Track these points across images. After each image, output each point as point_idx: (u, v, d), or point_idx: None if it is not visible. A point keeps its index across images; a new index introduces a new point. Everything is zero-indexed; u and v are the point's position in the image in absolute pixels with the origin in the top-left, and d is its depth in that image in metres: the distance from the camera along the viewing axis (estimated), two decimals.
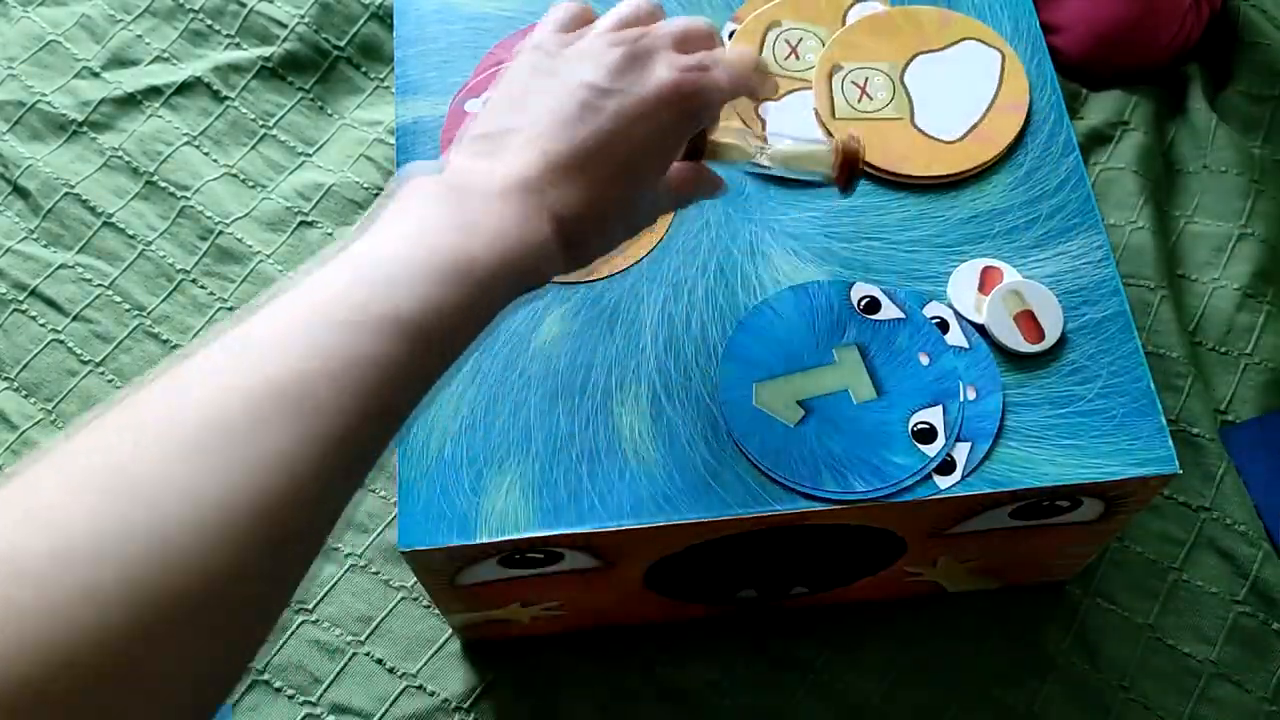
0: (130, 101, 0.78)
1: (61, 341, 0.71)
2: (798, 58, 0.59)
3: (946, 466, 0.48)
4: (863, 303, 0.52)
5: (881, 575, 0.58)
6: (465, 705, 0.60)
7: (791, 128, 0.57)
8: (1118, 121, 0.76)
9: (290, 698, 0.61)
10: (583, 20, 0.43)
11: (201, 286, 0.73)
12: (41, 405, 0.69)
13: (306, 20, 0.80)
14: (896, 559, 0.56)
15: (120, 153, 0.77)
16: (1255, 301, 0.70)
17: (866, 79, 0.58)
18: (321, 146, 0.78)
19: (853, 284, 0.53)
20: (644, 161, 0.40)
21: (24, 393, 0.69)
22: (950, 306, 0.52)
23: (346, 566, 0.64)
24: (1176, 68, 0.79)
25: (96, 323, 0.71)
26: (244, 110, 0.78)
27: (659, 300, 0.53)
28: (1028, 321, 0.51)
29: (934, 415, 0.49)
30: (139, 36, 0.81)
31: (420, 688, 0.61)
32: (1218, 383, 0.68)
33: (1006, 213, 0.54)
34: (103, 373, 0.70)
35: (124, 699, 0.25)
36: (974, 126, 0.56)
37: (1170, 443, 0.49)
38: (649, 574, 0.54)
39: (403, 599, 0.63)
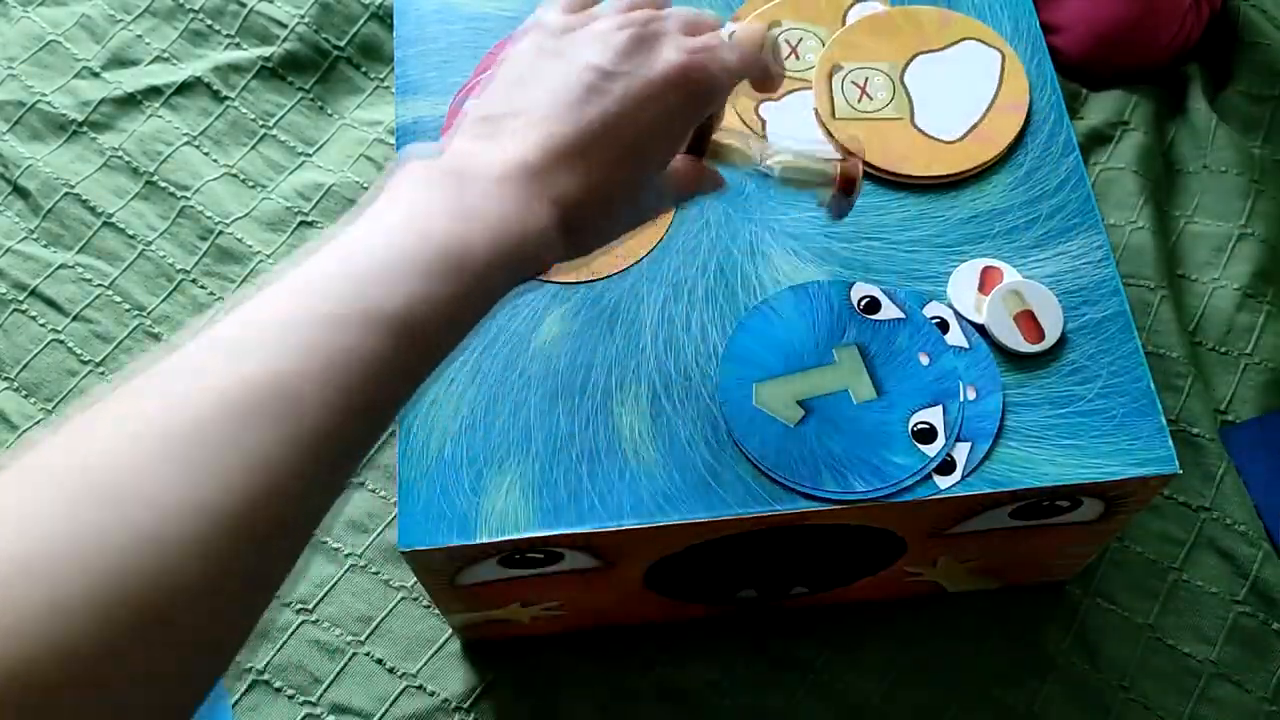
0: (130, 101, 0.78)
1: (61, 341, 0.71)
2: (798, 58, 0.59)
3: (946, 466, 0.48)
4: (863, 303, 0.52)
5: (881, 575, 0.58)
6: (465, 705, 0.60)
7: (791, 128, 0.57)
8: (1118, 121, 0.76)
9: (290, 698, 0.61)
10: (587, 2, 0.42)
11: (201, 286, 0.73)
12: (41, 405, 0.69)
13: (306, 20, 0.80)
14: (896, 559, 0.56)
15: (120, 153, 0.77)
16: (1255, 301, 0.70)
17: (866, 79, 0.58)
18: (321, 146, 0.78)
19: (853, 284, 0.53)
20: (650, 146, 0.39)
21: (24, 393, 0.69)
22: (950, 306, 0.52)
23: (346, 566, 0.64)
24: (1176, 68, 0.79)
25: (96, 323, 0.71)
26: (244, 110, 0.78)
27: (659, 300, 0.53)
28: (1028, 321, 0.51)
29: (934, 415, 0.49)
30: (139, 36, 0.81)
31: (420, 688, 0.61)
32: (1218, 383, 0.68)
33: (1006, 213, 0.54)
34: (103, 373, 0.70)
35: (86, 708, 0.24)
36: (974, 126, 0.56)
37: (1170, 443, 0.49)
38: (649, 574, 0.54)
39: (403, 599, 0.63)
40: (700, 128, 0.43)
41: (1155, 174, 0.75)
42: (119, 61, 0.80)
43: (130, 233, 0.74)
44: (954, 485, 0.48)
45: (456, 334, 0.34)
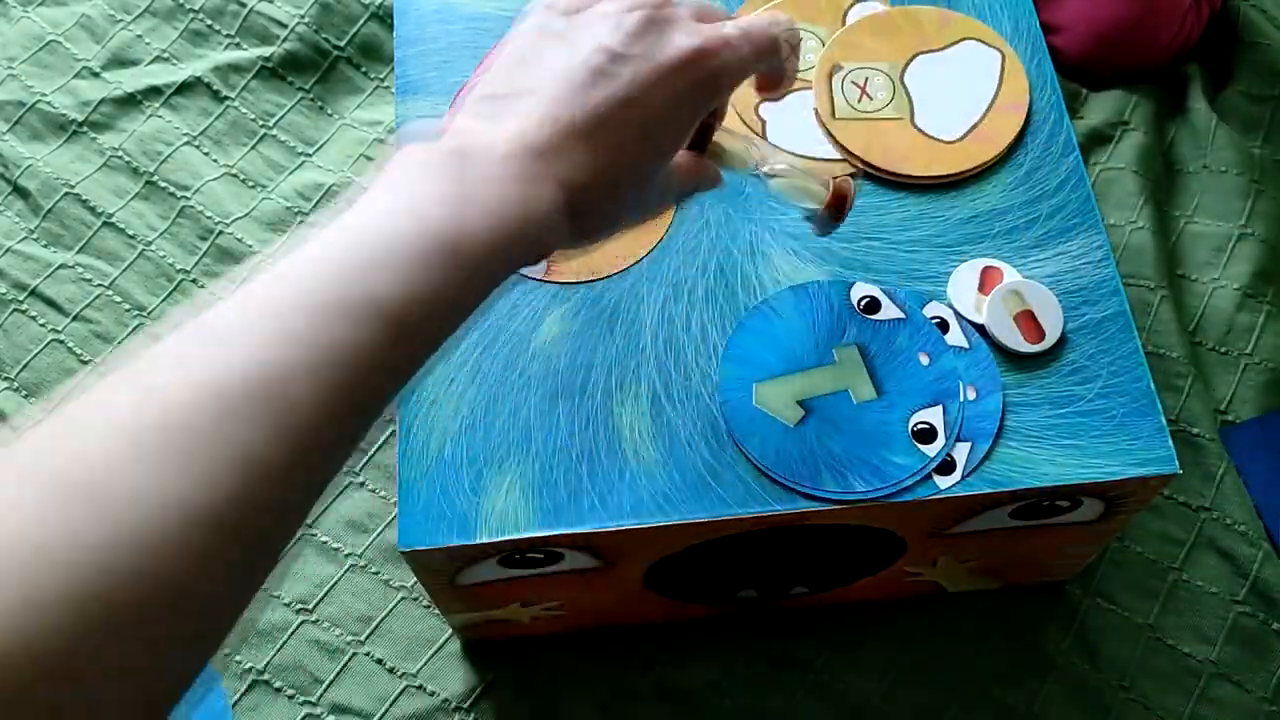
0: (130, 101, 0.78)
1: (61, 341, 0.71)
2: (797, 58, 0.59)
3: (946, 466, 0.48)
4: (863, 303, 0.52)
5: (881, 575, 0.58)
6: (465, 705, 0.60)
7: (791, 129, 0.57)
8: (1118, 121, 0.76)
9: (290, 698, 0.61)
10: None
11: (201, 287, 0.73)
12: (42, 405, 0.69)
13: (306, 20, 0.80)
14: (896, 559, 0.56)
15: (120, 153, 0.77)
16: (1255, 301, 0.70)
17: (866, 79, 0.58)
18: (321, 146, 0.78)
19: (853, 284, 0.53)
20: (659, 131, 0.37)
21: (24, 393, 0.69)
22: (950, 306, 0.52)
23: (346, 566, 0.64)
24: (1176, 68, 0.79)
25: (96, 323, 0.71)
26: (244, 110, 0.78)
27: (659, 300, 0.53)
28: (1028, 321, 0.51)
29: (934, 415, 0.49)
30: (139, 36, 0.81)
31: (420, 688, 0.61)
32: (1218, 383, 0.68)
33: (1006, 213, 0.54)
34: (103, 373, 0.70)
35: (60, 704, 0.24)
36: (974, 126, 0.56)
37: (1170, 443, 0.49)
38: (649, 574, 0.54)
39: (403, 599, 0.63)
40: (703, 123, 0.42)
41: (1155, 174, 0.75)
42: (119, 61, 0.80)
43: (130, 233, 0.74)
44: (954, 485, 0.48)
45: (453, 323, 0.32)
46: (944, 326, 0.51)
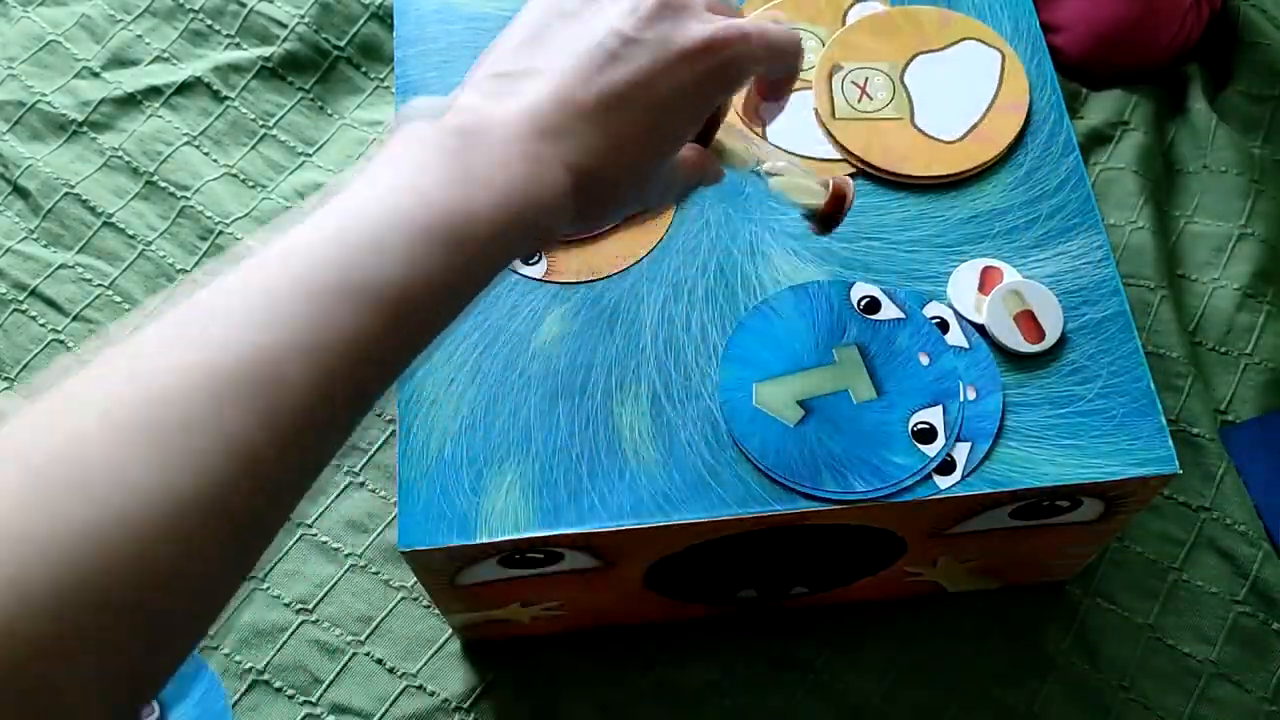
0: (130, 101, 0.78)
1: (61, 341, 0.71)
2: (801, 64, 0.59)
3: (946, 466, 0.48)
4: (863, 303, 0.52)
5: (881, 575, 0.58)
6: (465, 705, 0.60)
7: (791, 129, 0.57)
8: (1118, 121, 0.76)
9: (290, 698, 0.61)
10: None
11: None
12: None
13: (306, 20, 0.80)
14: (896, 559, 0.56)
15: (120, 153, 0.77)
16: (1255, 301, 0.70)
17: (866, 79, 0.58)
18: (321, 146, 0.78)
19: (853, 284, 0.53)
20: (669, 118, 0.36)
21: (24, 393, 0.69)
22: (950, 306, 0.52)
23: (346, 566, 0.64)
24: (1176, 68, 0.79)
25: (96, 323, 0.71)
26: (244, 110, 0.78)
27: (659, 300, 0.53)
28: (1028, 321, 0.51)
29: (934, 415, 0.49)
30: (139, 36, 0.81)
31: (420, 688, 0.61)
32: (1218, 383, 0.68)
33: (1006, 213, 0.54)
34: None
35: (43, 687, 0.23)
36: (974, 126, 0.56)
37: (1170, 443, 0.49)
38: (649, 574, 0.54)
39: (403, 599, 0.63)
40: (709, 117, 0.42)
41: (1155, 174, 0.75)
42: (119, 61, 0.80)
43: (130, 233, 0.74)
44: (954, 485, 0.48)
45: (454, 309, 0.32)
46: (944, 326, 0.51)
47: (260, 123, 0.78)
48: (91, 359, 0.27)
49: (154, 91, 0.79)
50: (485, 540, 0.48)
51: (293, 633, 0.62)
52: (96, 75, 0.80)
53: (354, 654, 0.62)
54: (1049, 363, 0.51)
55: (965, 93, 0.57)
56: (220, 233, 0.74)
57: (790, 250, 0.54)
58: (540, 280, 0.53)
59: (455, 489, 0.49)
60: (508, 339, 0.52)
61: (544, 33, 0.36)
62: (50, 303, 0.72)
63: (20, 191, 0.76)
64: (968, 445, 0.49)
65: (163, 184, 0.76)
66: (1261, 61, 0.78)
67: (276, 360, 0.27)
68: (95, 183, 0.76)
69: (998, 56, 0.58)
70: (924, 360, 0.51)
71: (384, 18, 0.81)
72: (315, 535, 0.65)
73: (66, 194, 0.75)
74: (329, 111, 0.79)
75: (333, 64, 0.80)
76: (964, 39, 0.59)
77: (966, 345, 0.51)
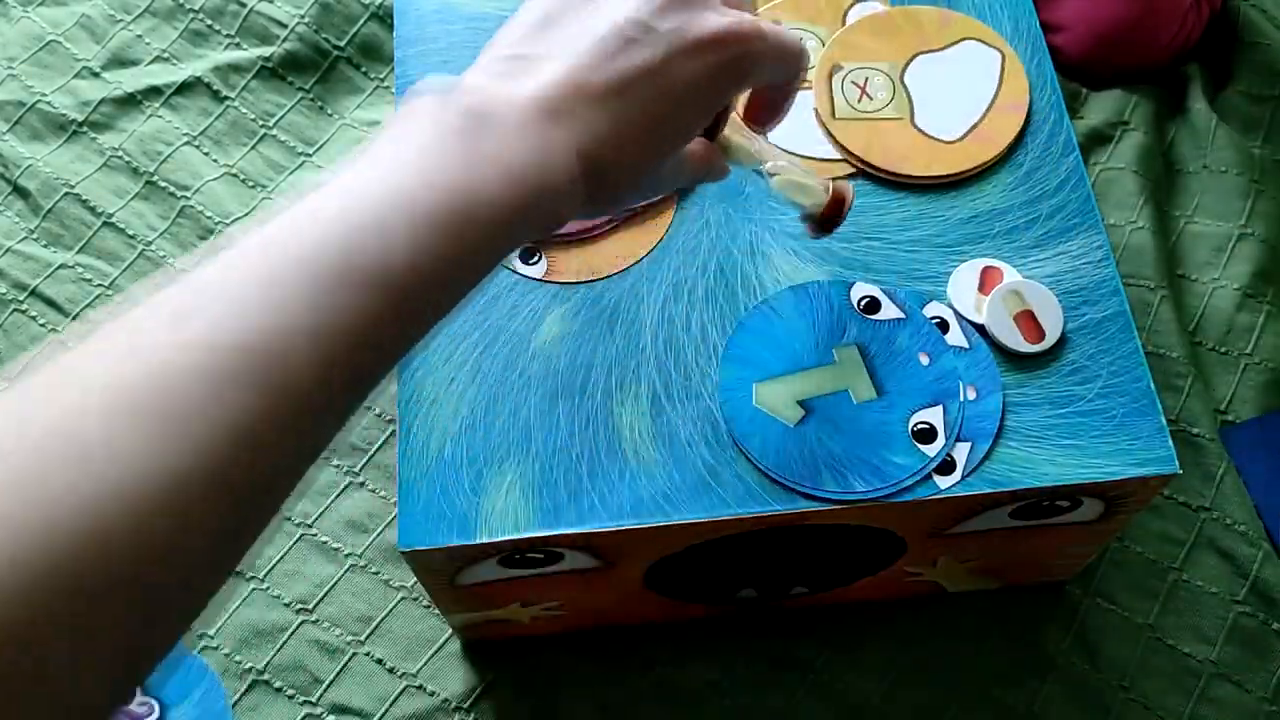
0: (130, 101, 0.78)
1: (62, 342, 0.71)
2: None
3: (946, 466, 0.48)
4: (863, 303, 0.52)
5: (881, 575, 0.58)
6: (465, 705, 0.60)
7: (791, 129, 0.57)
8: (1118, 121, 0.76)
9: (290, 698, 0.61)
10: None
11: None
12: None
13: (306, 20, 0.80)
14: (896, 559, 0.56)
15: (120, 153, 0.77)
16: (1255, 301, 0.70)
17: (866, 79, 0.58)
18: (321, 146, 0.78)
19: (853, 284, 0.53)
20: (682, 108, 0.36)
21: None
22: (950, 306, 0.52)
23: (346, 566, 0.64)
24: (1176, 68, 0.79)
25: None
26: (244, 110, 0.78)
27: (659, 300, 0.53)
28: (1028, 321, 0.51)
29: (934, 415, 0.49)
30: (139, 36, 0.81)
31: (420, 688, 0.61)
32: (1218, 383, 0.68)
33: (1006, 213, 0.54)
34: None
35: (37, 663, 0.23)
36: (974, 126, 0.56)
37: (1170, 443, 0.49)
38: (649, 574, 0.54)
39: (403, 599, 0.63)
40: (718, 113, 0.41)
41: (1155, 174, 0.75)
42: (119, 61, 0.80)
43: (130, 233, 0.74)
44: (954, 485, 0.48)
45: (458, 294, 0.31)
46: (944, 326, 0.51)
47: (260, 123, 0.78)
48: (90, 333, 0.27)
49: (154, 91, 0.79)
50: (485, 540, 0.48)
51: (293, 633, 0.62)
52: (96, 75, 0.80)
53: (354, 654, 0.62)
54: (1049, 363, 0.51)
55: (965, 93, 0.57)
56: (220, 233, 0.74)
57: (790, 250, 0.54)
58: (540, 280, 0.53)
59: (455, 489, 0.49)
60: (508, 339, 0.52)
61: (558, 17, 0.36)
62: (50, 303, 0.72)
63: (20, 191, 0.76)
64: (968, 445, 0.49)
65: (163, 184, 0.76)
66: (1261, 61, 0.78)
67: (278, 341, 0.27)
68: (95, 183, 0.76)
69: (998, 56, 0.58)
70: (924, 360, 0.51)
71: (384, 18, 0.81)
72: (315, 535, 0.65)
73: (66, 194, 0.75)
74: (329, 111, 0.79)
75: (333, 64, 0.80)
76: (964, 39, 0.59)
77: (966, 345, 0.51)
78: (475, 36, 0.60)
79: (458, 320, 0.52)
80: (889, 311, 0.52)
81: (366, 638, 0.62)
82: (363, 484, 0.66)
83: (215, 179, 0.76)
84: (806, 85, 0.58)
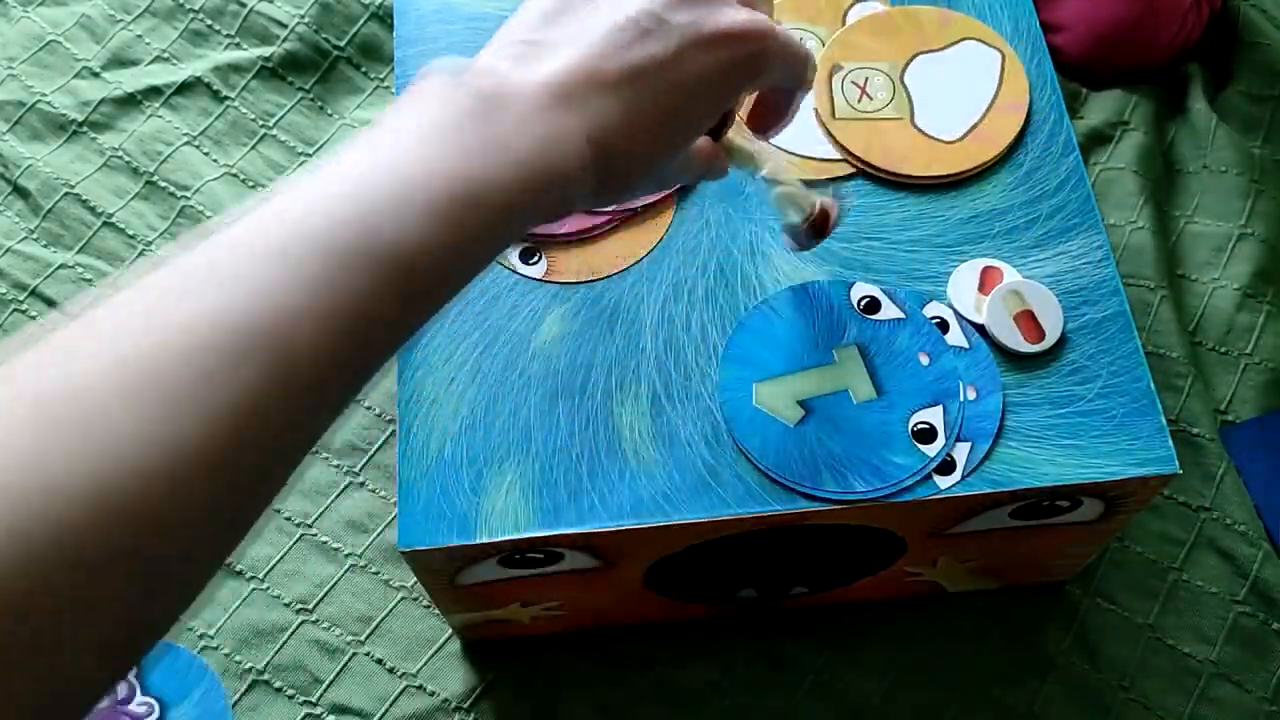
0: (130, 101, 0.78)
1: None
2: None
3: (946, 466, 0.48)
4: (863, 303, 0.52)
5: (881, 575, 0.58)
6: (465, 705, 0.60)
7: (791, 129, 0.57)
8: (1118, 121, 0.76)
9: (290, 698, 0.61)
10: None
11: None
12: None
13: (306, 20, 0.80)
14: (896, 559, 0.56)
15: (120, 153, 0.77)
16: (1255, 301, 0.70)
17: (866, 79, 0.58)
18: (322, 146, 0.78)
19: (853, 284, 0.53)
20: (694, 101, 0.36)
21: None
22: (950, 306, 0.52)
23: (346, 566, 0.64)
24: (1176, 68, 0.79)
25: None
26: (244, 110, 0.78)
27: (659, 300, 0.53)
28: (1028, 321, 0.51)
29: (934, 415, 0.49)
30: (139, 36, 0.81)
31: (420, 688, 0.61)
32: (1218, 383, 0.68)
33: (1006, 213, 0.54)
34: None
35: (34, 635, 0.23)
36: (974, 126, 0.56)
37: (1170, 443, 0.49)
38: (649, 574, 0.54)
39: (403, 599, 0.63)
40: (725, 113, 0.41)
41: (1155, 174, 0.75)
42: (119, 61, 0.80)
43: (130, 233, 0.74)
44: (954, 485, 0.48)
45: (464, 278, 0.31)
46: (944, 326, 0.51)
47: (260, 123, 0.78)
48: (100, 302, 0.26)
49: (154, 91, 0.79)
50: (485, 540, 0.48)
51: (293, 633, 0.62)
52: (96, 75, 0.80)
53: (354, 654, 0.62)
54: (1049, 363, 0.51)
55: (965, 93, 0.57)
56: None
57: (790, 250, 0.54)
58: (540, 280, 0.53)
59: (455, 489, 0.49)
60: (508, 339, 0.52)
61: (573, 6, 0.36)
62: (50, 303, 0.72)
63: (20, 191, 0.76)
64: (968, 445, 0.49)
65: (163, 184, 0.76)
66: (1261, 61, 0.78)
67: (285, 321, 0.26)
68: (95, 183, 0.76)
69: (998, 56, 0.58)
70: (924, 360, 0.51)
71: (384, 18, 0.81)
72: (315, 535, 0.65)
73: (66, 194, 0.75)
74: (329, 111, 0.79)
75: (333, 64, 0.80)
76: (964, 39, 0.59)
77: (966, 345, 0.51)
78: (475, 36, 0.60)
79: (458, 320, 0.52)
80: (889, 311, 0.52)
81: (366, 638, 0.62)
82: (363, 484, 0.66)
83: (215, 179, 0.76)
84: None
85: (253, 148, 0.77)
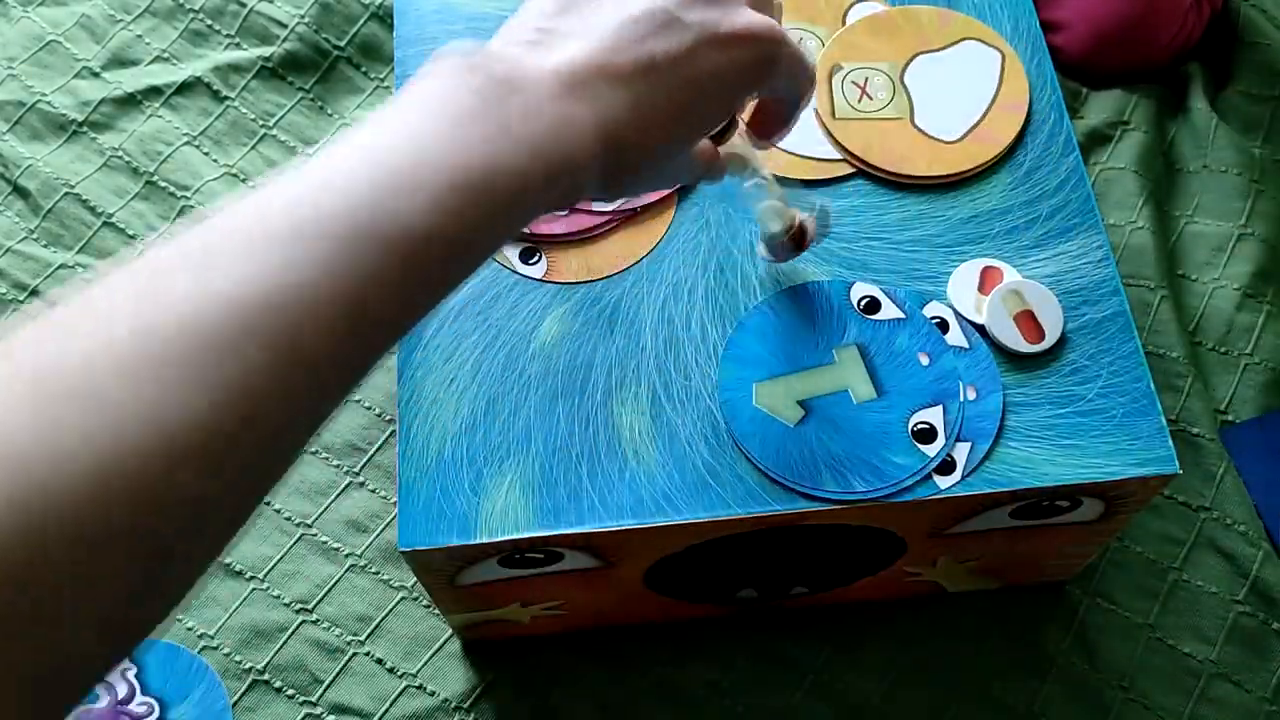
0: (130, 101, 0.78)
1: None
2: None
3: (946, 466, 0.48)
4: (863, 303, 0.52)
5: (881, 575, 0.58)
6: (465, 705, 0.60)
7: (792, 131, 0.57)
8: (1118, 121, 0.76)
9: (290, 698, 0.61)
10: None
11: None
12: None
13: (306, 20, 0.80)
14: (896, 559, 0.56)
15: (120, 153, 0.77)
16: (1255, 301, 0.70)
17: (866, 79, 0.58)
18: (321, 146, 0.78)
19: (853, 284, 0.53)
20: (704, 99, 0.36)
21: None
22: (950, 306, 0.52)
23: (346, 566, 0.64)
24: (1177, 67, 0.79)
25: None
26: (244, 110, 0.78)
27: (659, 300, 0.53)
28: (1028, 321, 0.51)
29: (934, 415, 0.49)
30: (139, 36, 0.81)
31: (420, 688, 0.61)
32: (1218, 383, 0.68)
33: (1006, 213, 0.54)
34: None
35: (36, 609, 0.23)
36: (974, 126, 0.56)
37: (1170, 443, 0.49)
38: (649, 574, 0.54)
39: (403, 599, 0.63)
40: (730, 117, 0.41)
41: (1155, 174, 0.75)
42: (119, 61, 0.80)
43: (130, 233, 0.74)
44: (954, 485, 0.48)
45: (471, 263, 0.31)
46: (944, 326, 0.51)
47: (260, 123, 0.78)
48: (112, 275, 0.26)
49: (154, 91, 0.79)
50: (485, 540, 0.48)
51: (293, 633, 0.62)
52: (96, 75, 0.80)
53: (354, 654, 0.62)
54: (1049, 363, 0.51)
55: (965, 93, 0.57)
56: None
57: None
58: (540, 280, 0.53)
59: (455, 489, 0.49)
60: (508, 339, 0.52)
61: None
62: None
63: (20, 191, 0.76)
64: (968, 445, 0.49)
65: (163, 184, 0.76)
66: (1261, 61, 0.78)
67: (294, 301, 0.26)
68: (95, 183, 0.76)
69: (998, 56, 0.58)
70: (924, 360, 0.51)
71: (384, 18, 0.81)
72: (315, 535, 0.65)
73: (66, 194, 0.75)
74: (329, 111, 0.79)
75: (333, 64, 0.80)
76: (964, 39, 0.59)
77: (966, 345, 0.51)
78: (475, 36, 0.60)
79: (458, 320, 0.52)
80: (889, 311, 0.52)
81: (366, 638, 0.62)
82: (363, 484, 0.66)
83: (215, 179, 0.76)
84: None
85: (253, 148, 0.77)
